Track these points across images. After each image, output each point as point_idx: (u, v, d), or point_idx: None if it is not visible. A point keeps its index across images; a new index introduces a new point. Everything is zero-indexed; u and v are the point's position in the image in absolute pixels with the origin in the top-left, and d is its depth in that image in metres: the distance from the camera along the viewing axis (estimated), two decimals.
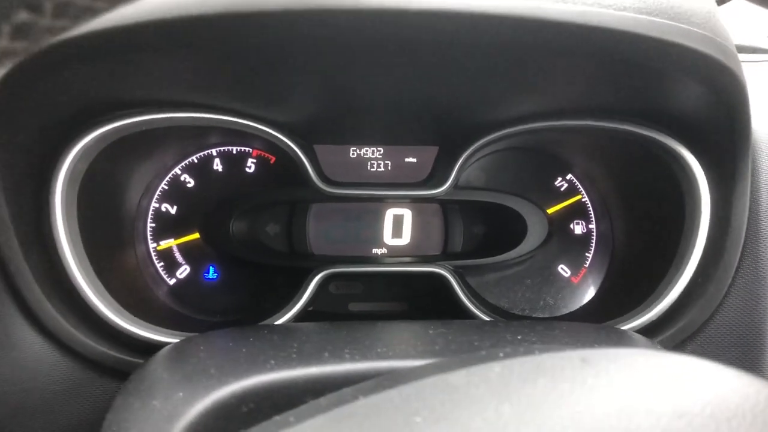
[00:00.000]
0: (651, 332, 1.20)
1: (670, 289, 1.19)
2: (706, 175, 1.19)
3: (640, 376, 0.55)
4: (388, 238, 1.43)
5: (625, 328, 1.19)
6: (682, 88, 1.06)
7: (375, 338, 0.91)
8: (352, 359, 0.78)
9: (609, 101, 1.19)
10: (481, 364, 0.58)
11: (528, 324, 1.04)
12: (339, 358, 0.79)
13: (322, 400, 0.61)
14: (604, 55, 0.95)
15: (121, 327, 1.13)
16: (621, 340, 1.00)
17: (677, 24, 0.92)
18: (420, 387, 0.55)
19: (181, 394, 0.75)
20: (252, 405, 0.73)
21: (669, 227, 1.25)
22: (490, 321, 1.23)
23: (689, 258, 1.19)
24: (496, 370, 0.56)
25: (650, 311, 1.20)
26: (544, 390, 0.51)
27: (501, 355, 0.65)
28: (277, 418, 0.59)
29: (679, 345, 1.20)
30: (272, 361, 0.79)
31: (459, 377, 0.55)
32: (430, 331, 0.95)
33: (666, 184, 1.25)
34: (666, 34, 0.91)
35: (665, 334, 1.19)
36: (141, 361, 1.07)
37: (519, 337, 0.91)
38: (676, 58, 0.95)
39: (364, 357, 0.79)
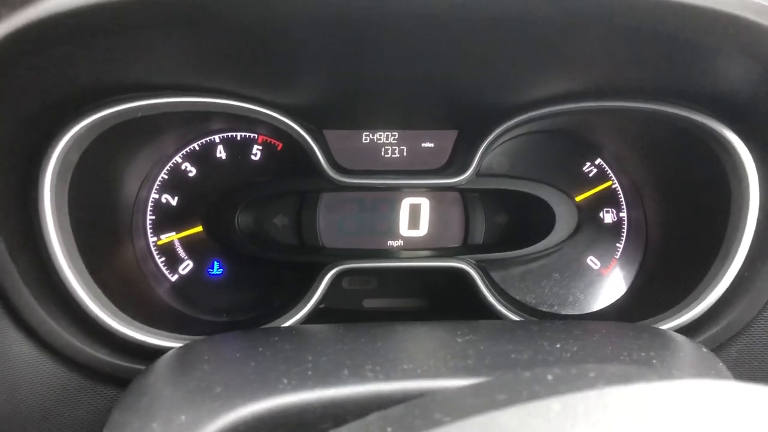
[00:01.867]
0: (692, 331, 1.12)
1: (716, 285, 1.10)
2: (754, 160, 1.10)
3: (732, 417, 0.46)
4: (404, 229, 1.35)
5: (665, 327, 1.11)
6: (731, 64, 0.96)
7: (398, 350, 0.82)
8: (376, 378, 0.69)
9: (646, 80, 1.09)
10: (535, 400, 0.48)
11: (562, 327, 0.95)
12: (360, 377, 0.70)
13: None
14: (650, 29, 0.85)
15: (118, 331, 1.05)
16: (667, 344, 0.90)
17: None
18: (467, 428, 0.46)
19: (183, 417, 0.66)
20: None
21: (712, 216, 1.15)
22: (520, 322, 1.14)
23: (736, 250, 1.10)
24: (555, 408, 0.47)
25: (693, 309, 1.11)
26: None
27: (549, 377, 0.56)
28: None
29: (722, 345, 1.11)
30: (285, 380, 0.70)
31: (512, 417, 0.46)
32: (458, 339, 0.85)
33: (708, 170, 1.15)
34: (722, 5, 0.81)
35: (707, 333, 1.11)
36: (141, 366, 1.00)
37: (557, 346, 0.82)
38: (730, 31, 0.85)
39: (389, 376, 0.70)
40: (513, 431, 0.45)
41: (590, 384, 0.53)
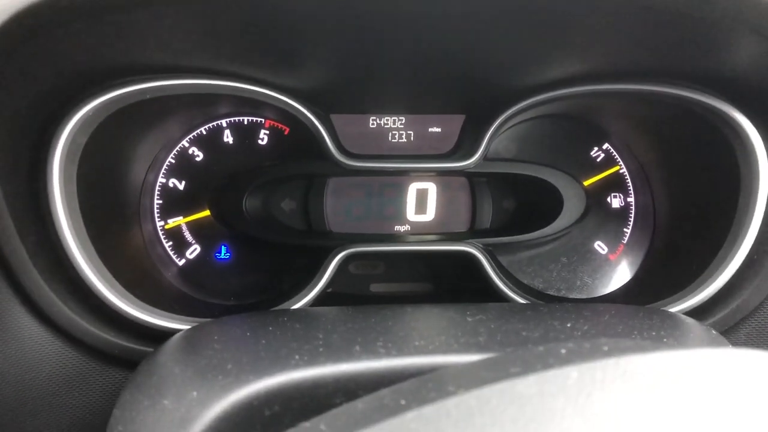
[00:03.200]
0: (700, 315, 1.11)
1: (724, 268, 1.10)
2: (764, 143, 1.09)
3: (749, 384, 0.46)
4: (411, 214, 1.35)
5: (673, 310, 1.11)
6: (743, 44, 0.95)
7: (409, 327, 0.82)
8: (388, 354, 0.69)
9: (656, 62, 1.08)
10: (552, 368, 0.48)
11: (572, 308, 0.95)
12: (372, 352, 0.69)
13: (359, 405, 0.52)
14: (662, 7, 0.84)
15: (127, 313, 1.05)
16: (677, 325, 0.90)
17: None
18: (484, 397, 0.45)
19: (195, 393, 0.66)
20: (276, 408, 0.64)
21: (721, 200, 1.15)
22: (530, 304, 1.14)
23: (745, 233, 1.09)
24: (573, 376, 0.46)
25: (701, 291, 1.11)
26: (644, 404, 0.42)
27: (563, 351, 0.56)
28: (306, 424, 0.50)
29: (732, 328, 1.11)
30: (296, 356, 0.70)
31: (529, 385, 0.46)
32: (468, 318, 0.85)
33: (718, 153, 1.15)
34: None
35: (716, 316, 1.11)
36: (149, 349, 1.01)
37: (568, 325, 0.82)
38: (742, 10, 0.84)
39: (401, 351, 0.70)
40: (531, 399, 0.45)
41: (604, 356, 0.53)
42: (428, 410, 0.46)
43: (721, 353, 0.53)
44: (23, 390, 0.97)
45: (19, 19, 0.77)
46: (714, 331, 0.92)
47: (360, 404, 0.53)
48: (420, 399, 0.49)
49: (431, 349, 0.71)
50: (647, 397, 0.45)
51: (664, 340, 0.81)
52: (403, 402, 0.50)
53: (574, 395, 0.45)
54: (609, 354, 0.54)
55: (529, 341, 0.74)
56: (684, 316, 0.99)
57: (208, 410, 0.64)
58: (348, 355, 0.69)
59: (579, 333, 0.79)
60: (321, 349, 0.72)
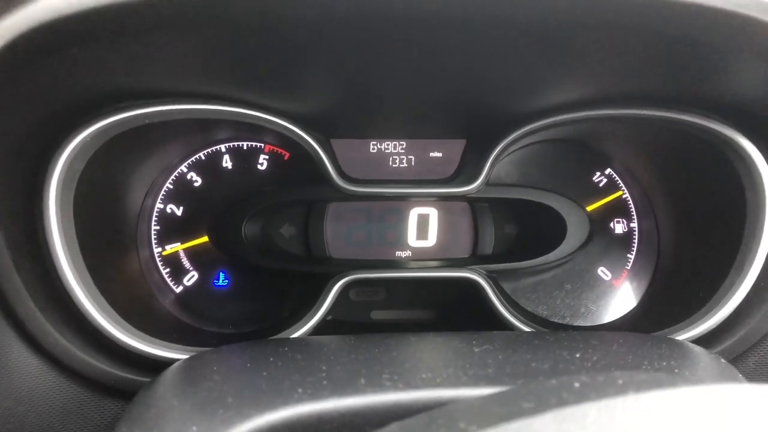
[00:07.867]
0: (707, 343, 1.10)
1: (731, 295, 1.08)
2: None
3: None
4: (412, 239, 1.33)
5: (681, 338, 1.09)
6: (748, 69, 0.94)
7: (414, 358, 0.80)
8: (395, 387, 0.67)
9: (659, 87, 1.07)
10: (568, 404, 0.46)
11: (579, 337, 0.93)
12: (378, 386, 0.67)
13: None
14: (665, 32, 0.83)
15: (123, 342, 1.02)
16: (686, 354, 0.88)
17: None
18: None
19: (194, 428, 0.64)
20: None
21: (727, 226, 1.14)
22: (536, 333, 1.12)
23: (752, 260, 1.08)
24: (591, 414, 0.45)
25: (709, 319, 1.09)
26: None
27: (577, 385, 0.54)
28: None
29: (740, 356, 1.09)
30: (299, 389, 0.68)
31: (547, 423, 0.44)
32: (475, 348, 0.83)
33: (723, 178, 1.14)
34: (741, 7, 0.79)
35: (724, 344, 1.09)
36: (146, 379, 0.98)
37: (577, 355, 0.80)
38: (746, 34, 0.83)
39: (408, 384, 0.68)
40: None
41: (620, 391, 0.51)
42: None
43: (742, 389, 0.51)
44: (17, 422, 0.95)
45: (18, 43, 0.75)
46: (723, 360, 0.90)
47: None
48: None
49: (439, 381, 0.69)
50: None
51: (675, 370, 0.79)
52: None
53: None
54: (624, 388, 0.52)
55: (539, 373, 0.72)
56: (692, 345, 0.97)
57: None
58: (353, 389, 0.67)
59: (589, 363, 0.77)
60: (325, 382, 0.70)
